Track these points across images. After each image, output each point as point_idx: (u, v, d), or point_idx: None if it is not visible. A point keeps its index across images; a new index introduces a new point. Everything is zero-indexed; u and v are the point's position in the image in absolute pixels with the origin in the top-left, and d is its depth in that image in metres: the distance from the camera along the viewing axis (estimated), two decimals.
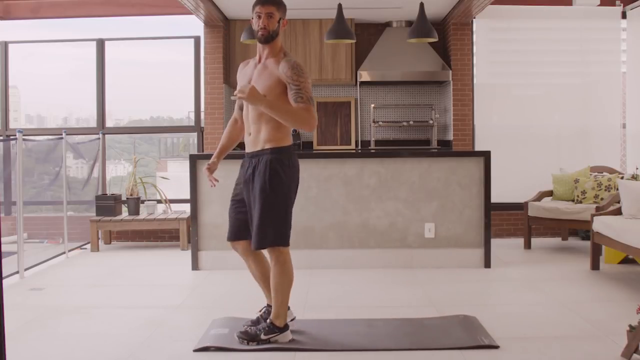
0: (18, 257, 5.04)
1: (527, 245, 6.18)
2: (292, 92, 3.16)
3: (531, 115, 7.00)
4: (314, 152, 6.83)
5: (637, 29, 6.82)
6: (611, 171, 6.37)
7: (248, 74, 3.36)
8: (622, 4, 6.93)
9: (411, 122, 7.14)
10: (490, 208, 5.27)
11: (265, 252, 3.38)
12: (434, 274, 5.00)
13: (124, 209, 6.71)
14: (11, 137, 6.15)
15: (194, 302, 4.31)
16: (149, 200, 6.77)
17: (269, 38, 3.24)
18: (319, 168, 5.26)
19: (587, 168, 6.35)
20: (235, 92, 3.13)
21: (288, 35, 6.83)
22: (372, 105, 7.24)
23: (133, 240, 6.82)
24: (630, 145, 6.96)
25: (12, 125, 7.32)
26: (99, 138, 6.93)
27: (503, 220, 6.88)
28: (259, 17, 3.23)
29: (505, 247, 6.26)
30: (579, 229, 6.64)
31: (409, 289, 4.55)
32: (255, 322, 3.47)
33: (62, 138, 6.08)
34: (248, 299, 4.20)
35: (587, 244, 6.22)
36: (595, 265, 5.12)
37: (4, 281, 3.82)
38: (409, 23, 7.01)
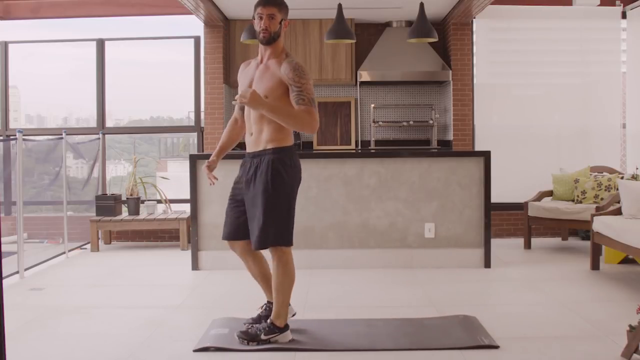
0: (18, 257, 5.04)
1: (527, 245, 6.18)
2: (293, 94, 3.16)
3: (531, 115, 7.00)
4: (314, 152, 6.83)
5: (637, 29, 6.82)
6: (611, 171, 6.37)
7: (250, 74, 3.35)
8: (622, 4, 6.93)
9: (411, 122, 7.14)
10: (490, 208, 5.27)
11: (265, 251, 3.38)
12: (434, 274, 5.00)
13: (124, 209, 6.71)
14: (11, 137, 6.15)
15: (194, 302, 4.31)
16: (149, 200, 6.77)
17: (270, 39, 3.24)
18: (319, 168, 5.26)
19: (587, 168, 6.35)
20: (236, 97, 3.13)
21: (288, 35, 6.82)
22: (372, 105, 7.24)
23: (133, 240, 6.82)
24: (630, 145, 6.96)
25: (12, 125, 7.32)
26: (99, 138, 6.93)
27: (503, 220, 6.88)
28: (261, 18, 3.23)
29: (505, 247, 6.26)
30: (579, 229, 6.64)
31: (409, 289, 4.55)
32: (257, 320, 3.47)
33: (62, 138, 6.08)
34: (248, 299, 4.20)
35: (587, 244, 6.22)
36: (595, 265, 5.12)
37: (4, 281, 3.82)
38: (409, 23, 7.01)
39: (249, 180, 3.31)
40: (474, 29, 6.96)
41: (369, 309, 4.02)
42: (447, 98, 7.09)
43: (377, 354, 3.16)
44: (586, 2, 6.52)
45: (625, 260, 5.37)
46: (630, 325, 3.01)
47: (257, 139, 3.28)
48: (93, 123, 7.23)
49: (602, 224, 4.93)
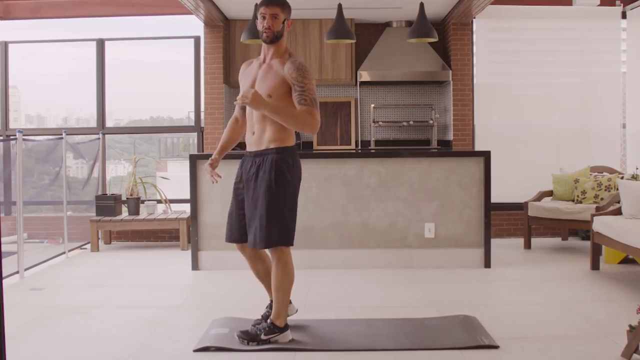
0: (18, 257, 5.04)
1: (527, 245, 6.18)
2: (296, 94, 3.17)
3: (531, 115, 7.00)
4: (314, 152, 6.83)
5: (637, 29, 6.82)
6: (611, 171, 6.37)
7: (252, 74, 3.36)
8: (622, 4, 6.93)
9: (411, 122, 7.14)
10: (490, 208, 5.27)
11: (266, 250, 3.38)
12: (434, 274, 5.00)
13: (124, 209, 6.71)
14: (11, 137, 6.15)
15: (194, 302, 4.31)
16: (149, 200, 6.77)
17: (273, 39, 3.25)
18: (319, 168, 5.26)
19: (587, 168, 6.35)
20: (238, 97, 3.13)
21: (288, 35, 6.81)
22: (372, 105, 7.24)
23: (133, 240, 6.82)
24: (630, 145, 6.96)
25: (12, 125, 7.32)
26: (99, 138, 6.93)
27: (503, 220, 6.88)
28: (264, 17, 3.24)
29: (505, 247, 6.26)
30: (579, 229, 6.64)
31: (409, 289, 4.55)
32: (265, 319, 3.46)
33: (62, 138, 6.08)
34: (248, 299, 4.21)
35: (587, 244, 6.22)
36: (595, 265, 5.12)
37: (4, 281, 3.83)
38: (409, 23, 7.01)
39: (249, 179, 3.30)
40: (474, 29, 6.96)
41: (369, 309, 4.02)
42: (447, 98, 7.09)
43: (377, 354, 3.16)
44: (586, 2, 6.53)
45: (625, 260, 5.37)
46: (630, 325, 3.01)
47: (260, 138, 3.28)
48: (93, 123, 7.23)
49: (602, 224, 4.93)
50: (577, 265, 5.31)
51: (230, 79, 6.96)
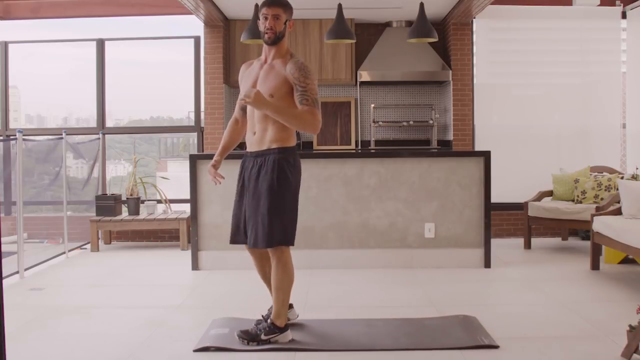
0: (18, 257, 5.04)
1: (527, 245, 6.18)
2: (297, 94, 3.18)
3: (531, 115, 7.00)
4: (314, 152, 6.83)
5: (637, 29, 6.82)
6: (611, 171, 6.37)
7: (253, 74, 3.36)
8: (622, 4, 6.93)
9: (411, 122, 7.14)
10: (490, 208, 5.27)
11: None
12: (434, 274, 5.00)
13: (124, 209, 6.71)
14: (11, 137, 6.15)
15: (194, 302, 4.31)
16: (149, 200, 6.77)
17: (275, 39, 3.26)
18: (319, 168, 5.26)
19: (587, 168, 6.35)
20: (240, 97, 3.13)
21: (288, 35, 6.82)
22: (372, 105, 7.24)
23: (133, 240, 6.82)
24: (630, 145, 6.97)
25: (12, 125, 7.32)
26: (99, 138, 6.93)
27: (503, 220, 6.88)
28: (266, 18, 3.24)
29: (505, 247, 6.26)
30: (579, 229, 6.64)
31: (409, 289, 4.55)
32: (266, 320, 3.46)
33: (62, 138, 6.08)
34: (248, 299, 4.21)
35: (587, 244, 6.22)
36: (595, 265, 5.12)
37: (4, 281, 3.83)
38: (409, 23, 7.01)
39: (250, 178, 3.31)
40: (474, 29, 6.96)
41: (369, 309, 4.02)
42: (447, 98, 7.09)
43: (377, 354, 3.16)
44: (586, 2, 6.53)
45: (625, 260, 5.37)
46: (630, 325, 3.01)
47: (261, 138, 3.28)
48: (93, 123, 7.23)
49: (602, 224, 4.93)
50: (577, 265, 5.31)
51: (230, 79, 6.96)
